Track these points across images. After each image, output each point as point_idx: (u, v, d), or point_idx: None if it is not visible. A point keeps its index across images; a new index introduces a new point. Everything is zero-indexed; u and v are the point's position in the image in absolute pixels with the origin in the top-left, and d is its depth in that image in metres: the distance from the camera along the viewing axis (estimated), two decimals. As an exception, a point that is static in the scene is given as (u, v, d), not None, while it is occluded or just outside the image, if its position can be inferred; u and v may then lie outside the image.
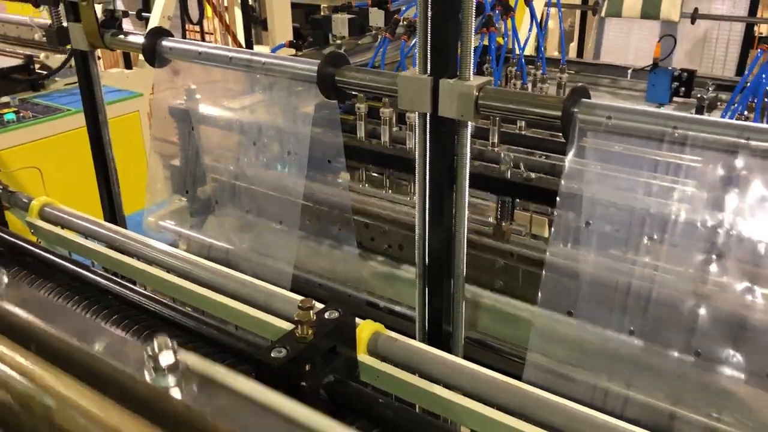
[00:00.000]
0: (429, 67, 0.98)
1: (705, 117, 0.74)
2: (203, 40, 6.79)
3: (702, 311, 0.84)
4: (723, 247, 0.81)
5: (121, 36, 1.43)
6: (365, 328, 0.94)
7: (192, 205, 1.57)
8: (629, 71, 2.43)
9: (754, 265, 0.82)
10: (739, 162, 0.76)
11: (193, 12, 4.61)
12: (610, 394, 0.96)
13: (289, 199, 1.15)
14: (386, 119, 1.52)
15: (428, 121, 1.00)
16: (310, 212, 1.32)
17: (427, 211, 1.05)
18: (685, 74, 2.24)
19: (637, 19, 2.92)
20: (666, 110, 2.24)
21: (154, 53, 1.31)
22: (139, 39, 1.36)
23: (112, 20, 1.47)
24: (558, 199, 0.88)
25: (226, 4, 6.07)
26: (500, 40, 2.41)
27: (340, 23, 2.04)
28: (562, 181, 0.87)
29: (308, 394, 0.81)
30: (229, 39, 5.68)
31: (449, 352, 1.10)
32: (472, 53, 0.94)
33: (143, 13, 4.15)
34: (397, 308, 1.28)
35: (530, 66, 2.52)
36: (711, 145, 0.78)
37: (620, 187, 0.86)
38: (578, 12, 3.79)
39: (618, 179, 0.86)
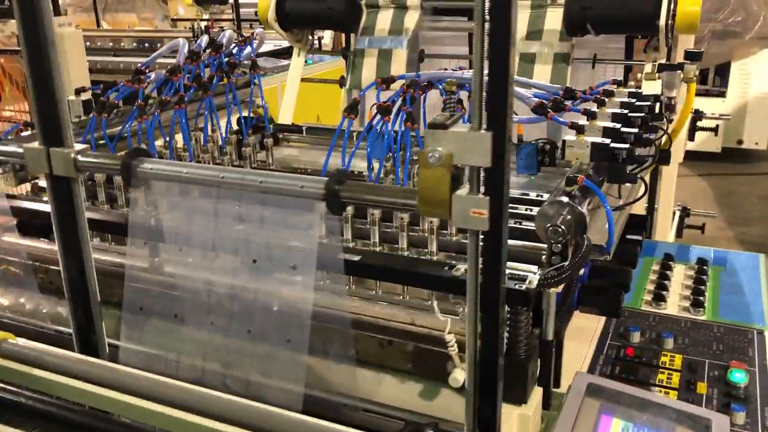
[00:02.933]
0: (43, 139, 1.32)
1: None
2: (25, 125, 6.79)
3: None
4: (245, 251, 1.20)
5: None
6: (-6, 336, 1.24)
7: None
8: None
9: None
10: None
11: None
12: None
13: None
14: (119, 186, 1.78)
15: (51, 180, 1.34)
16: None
17: (63, 248, 1.38)
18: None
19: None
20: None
21: None
22: None
23: None
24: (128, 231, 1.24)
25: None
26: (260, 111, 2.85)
27: (76, 105, 2.34)
28: (130, 217, 1.23)
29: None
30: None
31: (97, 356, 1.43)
32: (70, 127, 1.29)
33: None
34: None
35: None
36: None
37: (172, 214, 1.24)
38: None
39: (170, 209, 1.23)
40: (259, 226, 1.14)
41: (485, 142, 0.95)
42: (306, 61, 6.19)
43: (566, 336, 1.78)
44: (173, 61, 2.28)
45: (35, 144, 1.33)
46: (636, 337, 1.76)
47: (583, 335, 1.78)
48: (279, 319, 1.15)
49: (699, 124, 4.02)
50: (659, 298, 1.94)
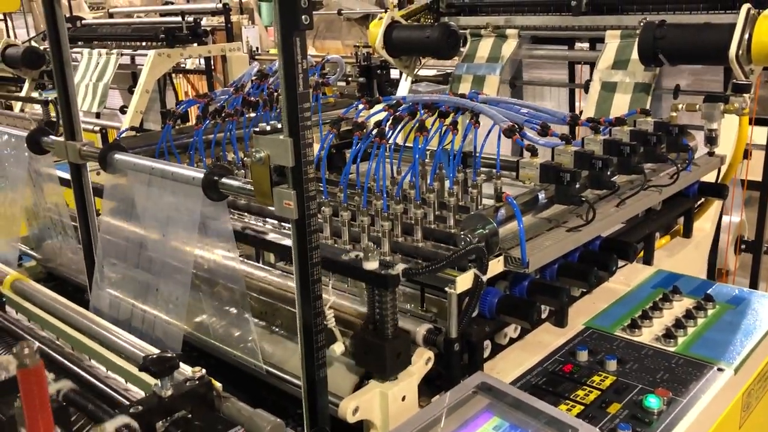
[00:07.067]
0: (66, 135, 1.76)
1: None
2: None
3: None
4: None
5: None
6: (12, 276, 1.69)
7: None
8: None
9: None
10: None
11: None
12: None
13: None
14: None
15: (70, 164, 1.78)
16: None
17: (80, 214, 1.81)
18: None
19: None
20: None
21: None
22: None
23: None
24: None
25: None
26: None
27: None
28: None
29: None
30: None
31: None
32: (80, 126, 1.71)
33: (125, 108, 5.16)
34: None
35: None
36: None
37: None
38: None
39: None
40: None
41: (287, 146, 1.18)
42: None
43: (520, 347, 1.88)
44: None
45: (61, 138, 1.77)
46: (583, 356, 1.80)
47: (538, 349, 1.86)
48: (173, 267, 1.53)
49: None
50: (635, 325, 1.94)
